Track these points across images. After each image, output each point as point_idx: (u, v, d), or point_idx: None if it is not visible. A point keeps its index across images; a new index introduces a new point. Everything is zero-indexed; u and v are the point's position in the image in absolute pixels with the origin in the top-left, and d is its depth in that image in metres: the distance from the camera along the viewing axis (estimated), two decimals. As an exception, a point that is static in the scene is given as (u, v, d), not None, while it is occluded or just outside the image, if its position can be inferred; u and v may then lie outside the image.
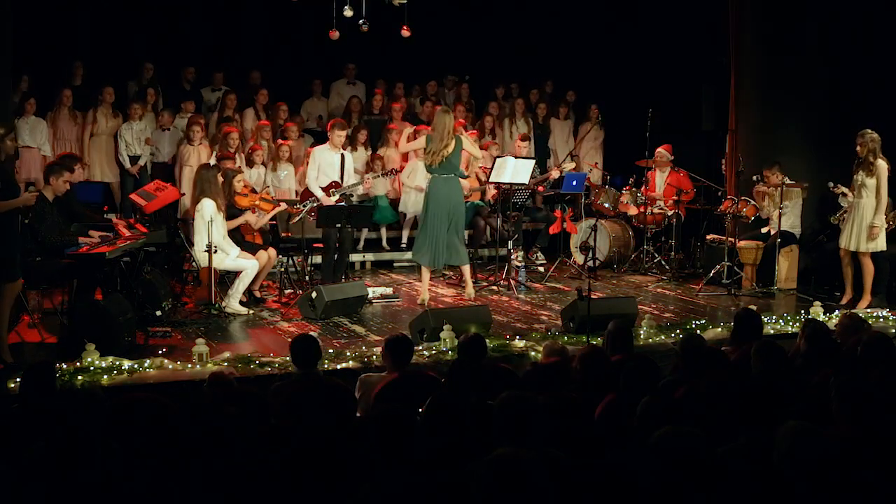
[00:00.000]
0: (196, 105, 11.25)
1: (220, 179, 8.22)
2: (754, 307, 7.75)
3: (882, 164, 8.31)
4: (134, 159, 10.59)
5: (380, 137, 11.38)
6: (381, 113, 11.86)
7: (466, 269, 8.86)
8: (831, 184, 8.82)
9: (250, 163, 10.18)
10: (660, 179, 10.75)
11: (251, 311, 8.15)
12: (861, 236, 8.41)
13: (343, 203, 9.06)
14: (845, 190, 8.65)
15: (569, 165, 10.49)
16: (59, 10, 11.12)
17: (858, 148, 8.36)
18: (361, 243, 11.00)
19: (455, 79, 12.67)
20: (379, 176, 10.19)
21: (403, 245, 11.17)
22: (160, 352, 6.57)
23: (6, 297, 6.42)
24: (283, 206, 9.02)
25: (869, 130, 8.34)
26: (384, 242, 11.30)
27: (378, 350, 6.35)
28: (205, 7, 11.92)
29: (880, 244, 8.44)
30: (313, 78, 12.11)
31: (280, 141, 10.57)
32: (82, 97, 10.69)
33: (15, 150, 6.60)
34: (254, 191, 9.01)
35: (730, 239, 9.43)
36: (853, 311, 7.47)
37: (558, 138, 12.29)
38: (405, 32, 8.94)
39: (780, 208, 9.23)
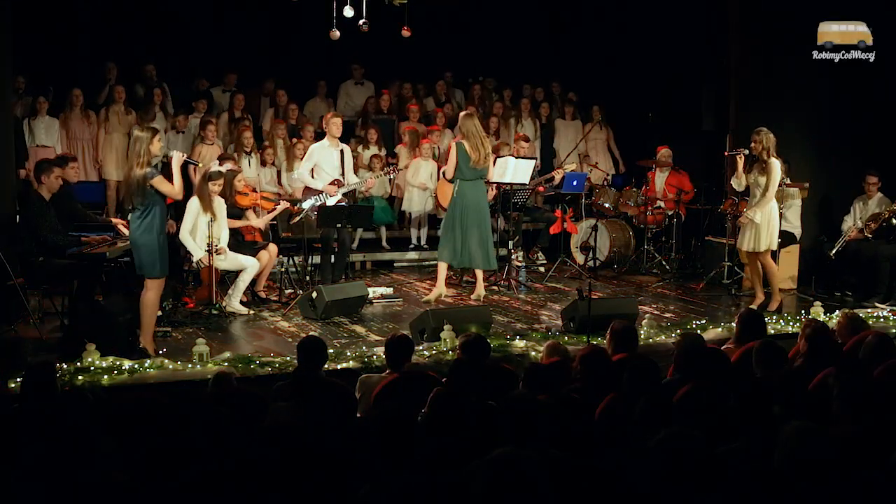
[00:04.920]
0: (208, 105, 11.28)
1: (220, 179, 8.20)
2: (755, 307, 7.83)
3: (775, 163, 8.17)
4: None
5: (391, 137, 11.37)
6: (390, 113, 11.86)
7: (480, 273, 8.87)
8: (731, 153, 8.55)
9: (263, 162, 10.30)
10: (660, 180, 10.74)
11: (251, 311, 8.15)
12: (761, 236, 8.26)
13: (345, 203, 9.05)
14: (743, 152, 8.34)
15: (570, 165, 10.48)
16: (63, 10, 11.12)
17: (753, 145, 8.20)
18: (356, 243, 10.84)
19: (469, 79, 12.66)
20: (381, 175, 10.17)
21: (412, 245, 11.15)
22: (160, 352, 6.58)
23: (159, 291, 6.65)
24: (285, 203, 9.02)
25: (764, 129, 8.19)
26: (384, 242, 11.23)
27: (378, 350, 6.35)
28: (206, 6, 11.91)
29: (774, 242, 8.34)
30: (318, 79, 12.11)
31: (296, 140, 10.62)
32: (94, 97, 10.79)
33: (164, 154, 6.64)
34: (255, 190, 9.02)
35: (730, 239, 9.42)
36: (852, 311, 7.45)
37: (563, 139, 12.27)
38: (405, 33, 8.93)
39: (781, 209, 9.21)
